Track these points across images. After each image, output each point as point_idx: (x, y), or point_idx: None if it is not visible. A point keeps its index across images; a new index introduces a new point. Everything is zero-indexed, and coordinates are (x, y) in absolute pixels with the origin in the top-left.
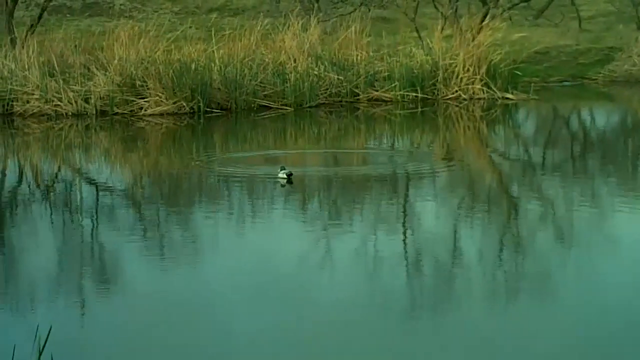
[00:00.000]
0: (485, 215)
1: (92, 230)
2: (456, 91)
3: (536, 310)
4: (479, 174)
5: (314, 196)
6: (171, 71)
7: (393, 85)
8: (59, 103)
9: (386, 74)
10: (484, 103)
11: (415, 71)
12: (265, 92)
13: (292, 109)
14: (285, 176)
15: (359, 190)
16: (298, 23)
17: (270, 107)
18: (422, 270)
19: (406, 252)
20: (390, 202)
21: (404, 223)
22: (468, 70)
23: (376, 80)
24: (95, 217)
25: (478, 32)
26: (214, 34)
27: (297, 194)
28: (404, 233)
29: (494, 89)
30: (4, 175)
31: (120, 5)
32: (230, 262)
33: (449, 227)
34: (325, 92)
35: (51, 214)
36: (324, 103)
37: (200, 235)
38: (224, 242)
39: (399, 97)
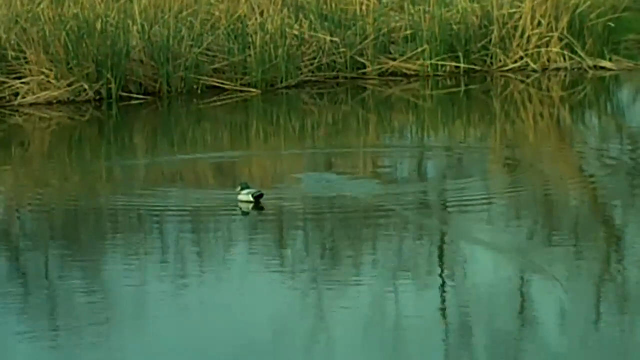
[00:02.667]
0: (577, 275)
1: None
2: (521, 58)
3: None
4: (564, 199)
5: (295, 237)
6: (64, 34)
7: (420, 50)
8: None
9: (408, 32)
10: (565, 76)
11: (454, 27)
12: (216, 65)
13: (259, 91)
14: (251, 199)
15: (362, 230)
16: None
17: (224, 89)
18: None
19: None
20: (416, 256)
21: (441, 287)
22: (539, 24)
23: (392, 43)
24: None
25: None
26: None
27: (269, 233)
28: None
29: (581, 53)
30: None
31: None
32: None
33: (512, 295)
34: (312, 64)
35: None
36: (309, 80)
37: (114, 305)
38: (151, 318)
39: (429, 69)
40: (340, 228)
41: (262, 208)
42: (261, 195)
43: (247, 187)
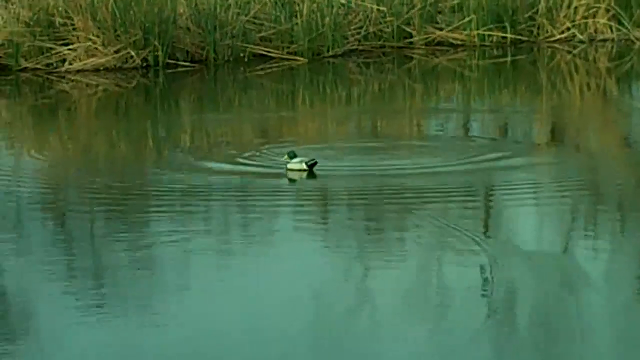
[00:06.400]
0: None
1: None
2: (568, 29)
3: None
4: (608, 172)
5: (350, 207)
6: (111, 1)
7: (467, 20)
8: None
9: (455, 2)
10: (612, 47)
11: None
12: (263, 34)
13: (306, 60)
14: (304, 167)
15: (413, 202)
16: None
17: (271, 57)
18: None
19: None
20: (463, 233)
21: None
22: None
23: (439, 13)
24: None
25: None
26: None
27: (322, 203)
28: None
29: (628, 24)
30: None
31: None
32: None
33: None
34: (359, 33)
35: None
36: (355, 50)
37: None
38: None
39: (476, 39)
40: (390, 197)
41: (314, 176)
42: (315, 164)
43: (295, 156)
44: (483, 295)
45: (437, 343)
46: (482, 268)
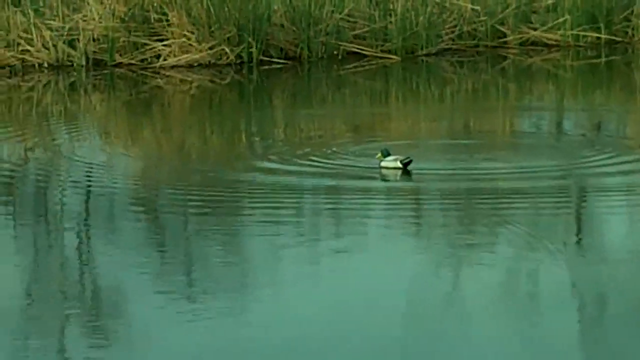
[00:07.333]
0: None
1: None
2: None
3: None
4: None
5: (443, 208)
6: None
7: (561, 20)
8: (27, 48)
9: (550, 2)
10: None
11: None
12: (357, 32)
13: (399, 59)
14: (399, 165)
15: (504, 203)
16: None
17: (364, 55)
18: None
19: None
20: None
21: None
22: None
23: (534, 13)
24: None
25: None
26: None
27: (414, 203)
28: None
29: None
30: None
31: None
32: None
33: None
34: (452, 32)
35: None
36: (449, 49)
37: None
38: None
39: (570, 40)
40: (484, 196)
41: (409, 174)
42: (410, 162)
43: (389, 154)
44: (575, 300)
45: (529, 344)
46: (574, 273)
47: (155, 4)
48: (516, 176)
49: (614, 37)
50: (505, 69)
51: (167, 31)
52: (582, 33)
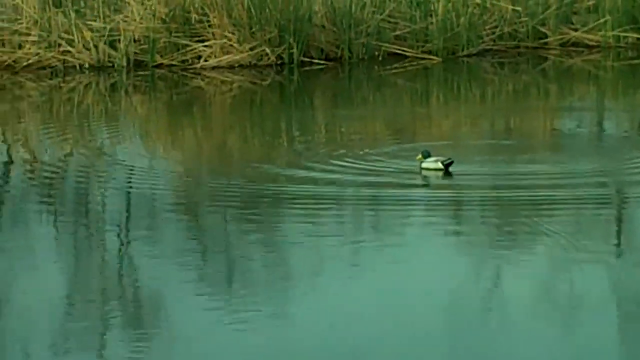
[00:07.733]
0: None
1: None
2: None
3: None
4: None
5: (483, 210)
6: None
7: (602, 21)
8: (69, 49)
9: (591, 2)
10: None
11: None
12: (397, 33)
13: (440, 59)
14: (440, 166)
15: (545, 206)
16: None
17: (405, 56)
18: None
19: None
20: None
21: None
22: None
23: (575, 14)
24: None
25: None
26: None
27: (455, 205)
28: None
29: None
30: None
31: None
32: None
33: None
34: (493, 33)
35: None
36: (490, 49)
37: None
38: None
39: (610, 41)
40: (526, 197)
41: (451, 175)
42: (451, 163)
43: (430, 155)
44: (615, 303)
45: (570, 346)
46: (615, 276)
47: (196, 5)
48: (557, 177)
49: None
50: (545, 69)
51: (208, 32)
52: (622, 34)
